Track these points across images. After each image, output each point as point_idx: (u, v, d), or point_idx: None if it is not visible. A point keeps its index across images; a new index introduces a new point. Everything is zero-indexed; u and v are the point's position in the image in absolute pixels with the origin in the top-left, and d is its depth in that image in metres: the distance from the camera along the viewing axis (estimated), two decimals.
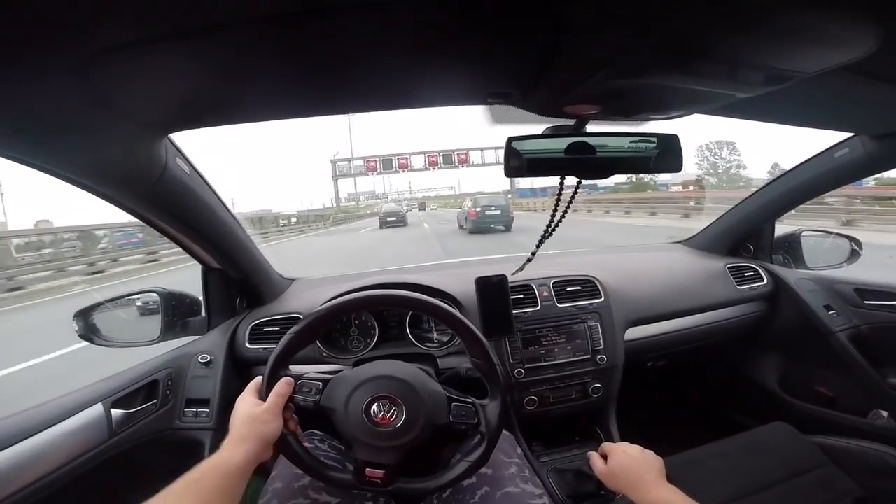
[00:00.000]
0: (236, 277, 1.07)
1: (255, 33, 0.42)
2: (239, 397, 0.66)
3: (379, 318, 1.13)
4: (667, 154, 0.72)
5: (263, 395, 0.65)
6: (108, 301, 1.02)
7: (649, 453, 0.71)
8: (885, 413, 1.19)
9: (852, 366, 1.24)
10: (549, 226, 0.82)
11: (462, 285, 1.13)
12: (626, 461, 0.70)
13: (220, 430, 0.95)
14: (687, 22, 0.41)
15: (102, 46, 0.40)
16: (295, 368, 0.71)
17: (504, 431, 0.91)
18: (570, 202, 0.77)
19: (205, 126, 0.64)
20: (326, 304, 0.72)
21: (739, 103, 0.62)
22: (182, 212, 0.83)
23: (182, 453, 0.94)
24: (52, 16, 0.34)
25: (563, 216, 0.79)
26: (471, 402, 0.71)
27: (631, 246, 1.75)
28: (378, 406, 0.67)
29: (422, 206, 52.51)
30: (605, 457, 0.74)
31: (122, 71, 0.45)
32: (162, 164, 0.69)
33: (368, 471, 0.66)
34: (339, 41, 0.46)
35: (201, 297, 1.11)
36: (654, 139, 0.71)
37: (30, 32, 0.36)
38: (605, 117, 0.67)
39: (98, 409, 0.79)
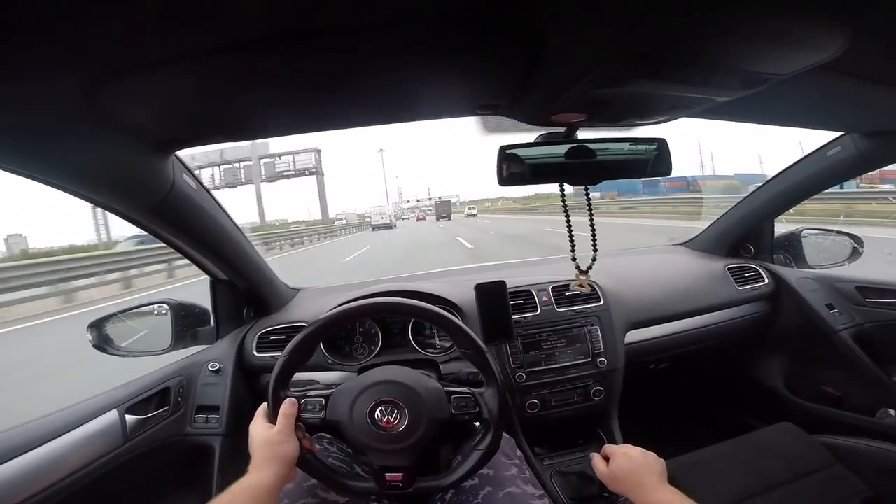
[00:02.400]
0: (243, 288, 1.10)
1: (257, 55, 0.45)
2: (251, 424, 0.68)
3: (382, 325, 1.15)
4: (658, 158, 0.74)
5: (271, 417, 0.67)
6: (121, 312, 1.05)
7: (651, 456, 0.72)
8: (892, 412, 1.18)
9: (857, 364, 1.23)
10: (592, 236, 0.82)
11: (462, 292, 1.15)
12: (627, 464, 0.70)
13: (230, 435, 0.98)
14: (660, 30, 0.43)
15: (110, 68, 0.43)
16: (301, 375, 0.74)
17: (504, 434, 0.92)
18: (590, 207, 0.78)
19: (210, 143, 0.68)
20: (319, 319, 0.75)
21: (724, 105, 0.63)
22: (189, 226, 0.86)
23: (193, 458, 0.96)
24: (62, 38, 0.37)
25: (592, 225, 0.80)
26: (469, 392, 0.73)
27: (631, 249, 1.75)
28: (381, 411, 0.69)
29: (443, 213, 37.27)
30: (606, 459, 0.75)
31: (129, 91, 0.48)
32: (170, 181, 0.73)
33: (388, 475, 0.68)
34: (334, 61, 0.49)
35: (209, 308, 1.14)
36: (643, 142, 0.73)
37: (40, 54, 0.38)
38: (592, 124, 0.69)
39: (113, 415, 0.82)
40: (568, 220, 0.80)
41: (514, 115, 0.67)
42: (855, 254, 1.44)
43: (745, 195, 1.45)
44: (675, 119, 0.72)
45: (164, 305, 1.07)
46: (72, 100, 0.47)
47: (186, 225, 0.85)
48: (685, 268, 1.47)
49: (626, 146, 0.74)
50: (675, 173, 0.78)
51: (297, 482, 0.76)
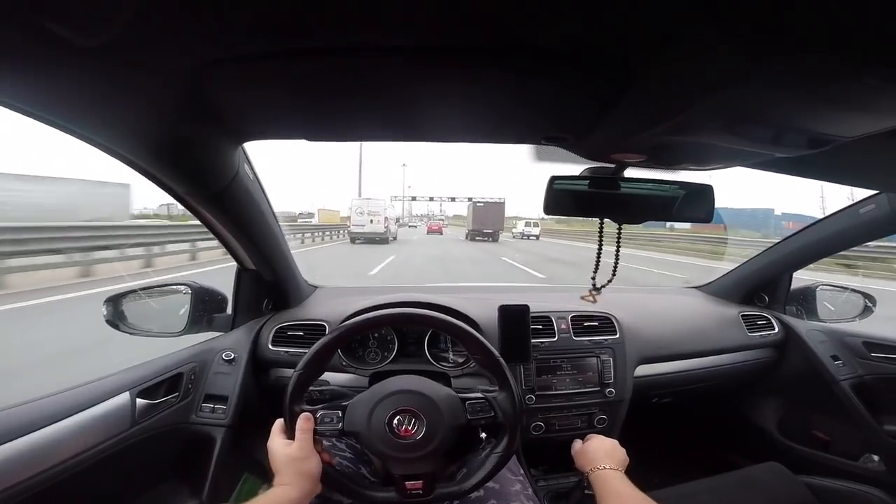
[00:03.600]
0: (269, 280, 1.10)
1: (345, 63, 0.46)
2: (269, 441, 0.68)
3: (399, 333, 1.15)
4: (700, 203, 0.75)
5: (289, 433, 0.67)
6: (142, 289, 1.05)
7: (620, 449, 0.82)
8: (875, 457, 1.24)
9: (851, 412, 1.28)
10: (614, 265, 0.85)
11: (483, 310, 1.15)
12: (596, 445, 0.82)
13: (233, 427, 0.97)
14: (745, 89, 0.44)
15: (209, 58, 0.44)
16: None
17: None
18: (618, 243, 0.80)
19: (277, 139, 0.68)
20: (342, 325, 0.76)
21: (778, 159, 0.65)
22: (240, 215, 0.86)
23: (193, 447, 0.95)
24: (172, 27, 0.37)
25: (617, 255, 0.82)
26: (483, 396, 0.74)
27: (648, 287, 1.78)
28: (398, 420, 0.69)
29: (486, 228, 20.92)
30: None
31: (225, 80, 0.49)
32: (235, 170, 0.73)
33: (408, 484, 0.68)
34: (411, 78, 0.50)
35: (228, 295, 1.13)
36: (689, 189, 0.74)
37: (148, 41, 0.39)
38: (646, 165, 0.70)
39: (125, 397, 0.81)
40: (600, 248, 0.81)
41: (575, 149, 0.68)
42: (866, 311, 1.47)
43: (769, 246, 1.47)
44: (728, 167, 0.73)
45: (187, 287, 1.06)
46: (171, 82, 0.47)
47: (238, 214, 0.86)
48: (699, 310, 1.49)
49: (672, 189, 0.74)
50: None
51: None
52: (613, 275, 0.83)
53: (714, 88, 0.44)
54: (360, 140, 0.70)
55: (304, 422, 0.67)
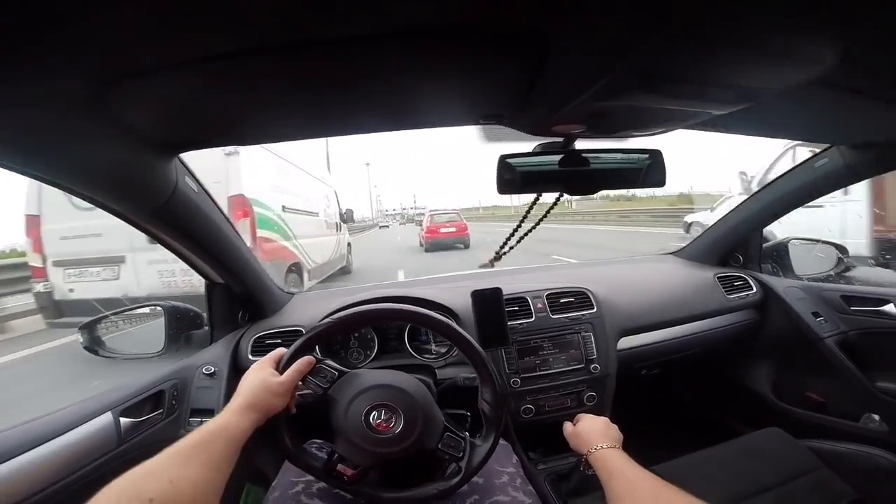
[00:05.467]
0: (239, 291, 1.10)
1: (259, 61, 0.45)
2: (254, 364, 0.67)
3: (378, 330, 1.15)
4: (652, 169, 0.76)
5: (282, 367, 0.67)
6: (113, 313, 1.04)
7: (613, 426, 0.81)
8: (876, 417, 1.22)
9: (842, 371, 1.27)
10: (514, 234, 0.86)
11: (458, 298, 1.16)
12: (588, 425, 0.81)
13: None
14: (659, 47, 0.45)
15: (115, 71, 0.43)
16: None
17: (501, 440, 0.93)
18: (546, 214, 0.81)
19: (213, 146, 0.67)
20: (319, 324, 0.75)
21: (718, 118, 0.66)
22: (189, 229, 0.86)
23: None
24: (68, 40, 0.37)
25: (533, 227, 0.83)
26: (463, 437, 0.74)
27: (623, 258, 1.79)
28: (379, 412, 0.69)
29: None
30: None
31: (136, 94, 0.48)
32: (172, 184, 0.73)
33: (340, 466, 0.68)
34: (338, 69, 0.50)
35: (203, 311, 1.13)
36: (638, 153, 0.75)
37: (47, 55, 0.38)
38: (591, 135, 0.71)
39: (107, 417, 0.81)
40: (519, 225, 0.83)
41: (515, 126, 0.69)
42: (840, 263, 1.49)
43: (737, 204, 1.49)
44: (670, 131, 0.74)
45: (158, 308, 1.06)
46: (76, 101, 0.47)
47: (187, 228, 0.85)
48: (676, 276, 1.50)
49: (621, 157, 0.75)
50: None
51: (283, 490, 0.76)
52: (504, 246, 0.85)
53: (632, 49, 0.45)
54: (296, 139, 0.70)
55: (303, 363, 0.67)
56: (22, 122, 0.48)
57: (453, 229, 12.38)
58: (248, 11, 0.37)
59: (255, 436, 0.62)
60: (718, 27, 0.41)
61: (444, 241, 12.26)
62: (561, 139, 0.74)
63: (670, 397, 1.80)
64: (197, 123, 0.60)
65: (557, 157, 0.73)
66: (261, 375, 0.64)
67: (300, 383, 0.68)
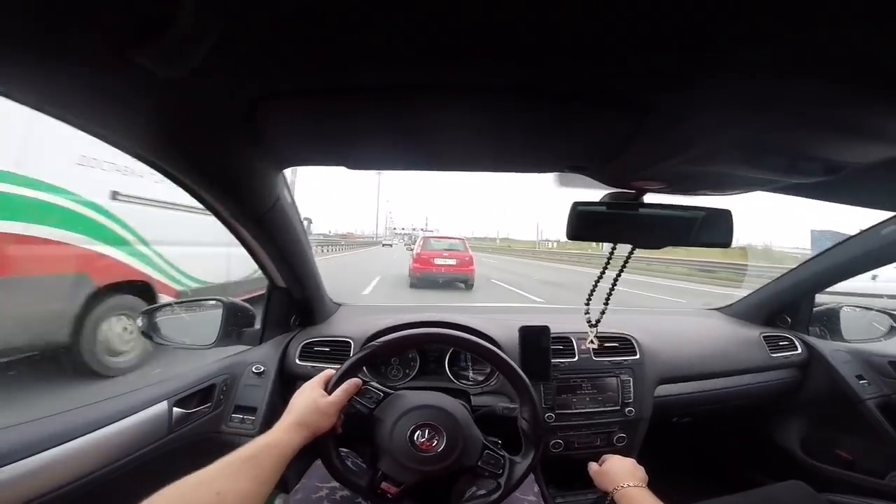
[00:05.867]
0: (298, 298, 1.14)
1: (380, 97, 0.49)
2: (306, 384, 0.70)
3: (420, 351, 1.18)
4: (719, 228, 0.76)
5: (331, 387, 0.70)
6: (177, 303, 1.10)
7: (640, 468, 0.82)
8: None
9: (877, 431, 1.27)
10: (611, 286, 0.86)
11: (503, 331, 1.17)
12: (616, 465, 0.83)
13: None
14: (755, 120, 0.46)
15: (265, 91, 0.48)
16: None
17: None
18: (624, 264, 0.81)
19: (317, 165, 0.72)
20: (405, 332, 0.79)
21: (792, 184, 0.66)
22: (278, 237, 0.91)
23: (222, 455, 0.98)
24: (236, 62, 0.41)
25: (617, 277, 0.83)
26: (503, 455, 0.76)
27: (668, 310, 1.77)
28: (422, 432, 0.71)
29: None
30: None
31: (270, 114, 0.52)
32: (277, 194, 0.78)
33: (384, 484, 0.70)
34: (446, 113, 0.53)
35: (256, 311, 1.17)
36: (708, 213, 0.75)
37: (216, 73, 0.43)
38: (667, 191, 0.72)
39: (163, 406, 0.85)
40: (600, 277, 0.83)
41: (596, 175, 0.71)
42: (892, 331, 1.44)
43: (792, 267, 1.46)
44: (747, 192, 0.75)
45: (219, 302, 1.11)
46: (234, 120, 0.52)
47: (277, 236, 0.90)
48: (720, 331, 1.48)
49: (691, 214, 0.76)
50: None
51: (307, 494, 0.78)
52: (606, 305, 0.85)
53: (729, 125, 0.47)
54: (396, 169, 0.74)
55: (351, 385, 0.70)
56: (186, 134, 0.54)
57: (453, 262, 8.64)
58: (387, 52, 0.40)
59: None
60: (820, 110, 0.43)
61: (437, 275, 8.63)
62: (633, 191, 0.75)
63: (696, 444, 1.75)
64: (312, 144, 0.65)
65: (629, 210, 0.75)
66: (312, 395, 0.67)
67: (349, 401, 0.71)
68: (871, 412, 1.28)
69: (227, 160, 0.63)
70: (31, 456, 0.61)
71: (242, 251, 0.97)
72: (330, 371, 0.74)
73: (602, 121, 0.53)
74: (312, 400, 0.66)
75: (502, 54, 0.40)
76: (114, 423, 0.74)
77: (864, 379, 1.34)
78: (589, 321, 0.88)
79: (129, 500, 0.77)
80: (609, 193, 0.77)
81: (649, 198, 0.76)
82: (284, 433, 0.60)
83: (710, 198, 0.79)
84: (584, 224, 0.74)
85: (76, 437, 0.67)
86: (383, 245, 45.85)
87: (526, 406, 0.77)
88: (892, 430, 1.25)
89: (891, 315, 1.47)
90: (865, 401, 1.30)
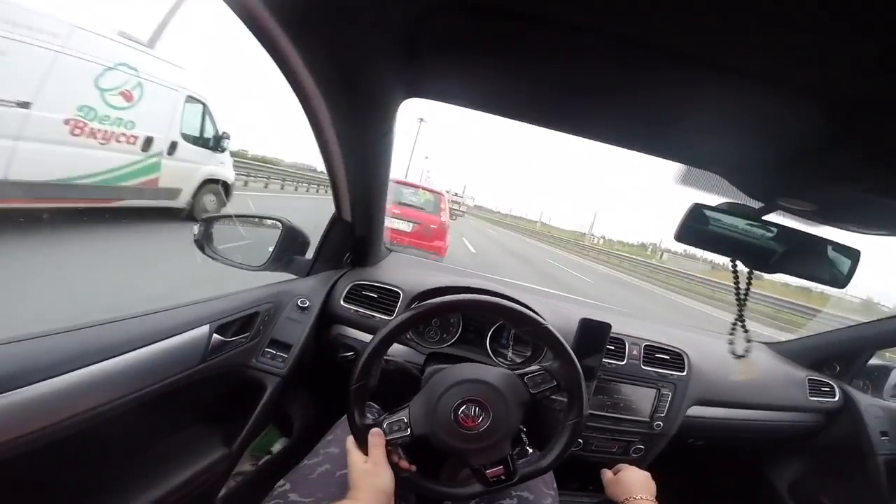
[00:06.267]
0: (359, 235, 1.09)
1: (538, 35, 0.42)
2: (348, 456, 0.68)
3: (463, 318, 1.15)
4: (842, 267, 0.69)
5: (361, 448, 0.67)
6: (237, 216, 1.07)
7: (652, 483, 0.85)
8: None
9: (873, 485, 1.29)
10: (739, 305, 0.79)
11: (559, 319, 1.11)
12: (632, 476, 0.85)
13: (287, 379, 0.94)
14: None
15: (433, 6, 0.42)
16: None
17: None
18: (747, 290, 0.75)
19: (444, 101, 0.63)
20: (465, 297, 0.74)
21: None
22: (371, 167, 0.84)
23: (244, 391, 0.92)
24: None
25: (744, 302, 0.76)
26: (539, 368, 0.74)
27: (719, 333, 1.72)
28: (464, 412, 0.69)
29: None
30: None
31: (428, 35, 0.46)
32: (391, 125, 0.71)
33: (489, 472, 0.68)
34: (609, 70, 0.45)
35: (312, 241, 1.13)
36: (837, 249, 0.68)
37: None
38: (808, 216, 0.65)
39: (204, 330, 0.79)
40: (739, 296, 0.75)
41: (735, 180, 0.63)
42: None
43: (862, 322, 1.40)
44: (888, 235, 0.67)
45: (279, 223, 1.07)
46: (390, 26, 0.46)
47: (370, 167, 0.84)
48: (766, 365, 1.43)
49: (819, 246, 0.69)
50: None
51: (343, 448, 0.76)
52: (745, 331, 0.78)
53: None
54: (529, 122, 0.63)
55: (374, 437, 0.67)
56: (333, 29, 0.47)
57: (417, 224, 5.23)
58: None
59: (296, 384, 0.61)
60: None
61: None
62: (760, 205, 0.68)
63: (694, 468, 1.76)
64: (451, 77, 0.57)
65: (755, 226, 0.68)
66: (357, 462, 0.66)
67: (389, 448, 0.68)
68: (878, 468, 1.29)
69: (364, 70, 0.55)
70: (64, 374, 0.55)
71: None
72: (350, 439, 0.69)
73: (789, 119, 0.46)
74: (359, 467, 0.65)
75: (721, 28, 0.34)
76: (150, 344, 0.68)
77: (887, 436, 1.34)
78: (734, 353, 0.82)
79: (136, 432, 0.72)
80: (731, 203, 0.70)
81: (774, 218, 0.69)
82: (352, 501, 0.61)
83: (838, 232, 0.72)
84: (698, 227, 0.67)
85: (112, 357, 0.62)
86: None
87: (575, 403, 0.74)
88: (887, 489, 1.27)
89: None
90: (878, 455, 1.31)
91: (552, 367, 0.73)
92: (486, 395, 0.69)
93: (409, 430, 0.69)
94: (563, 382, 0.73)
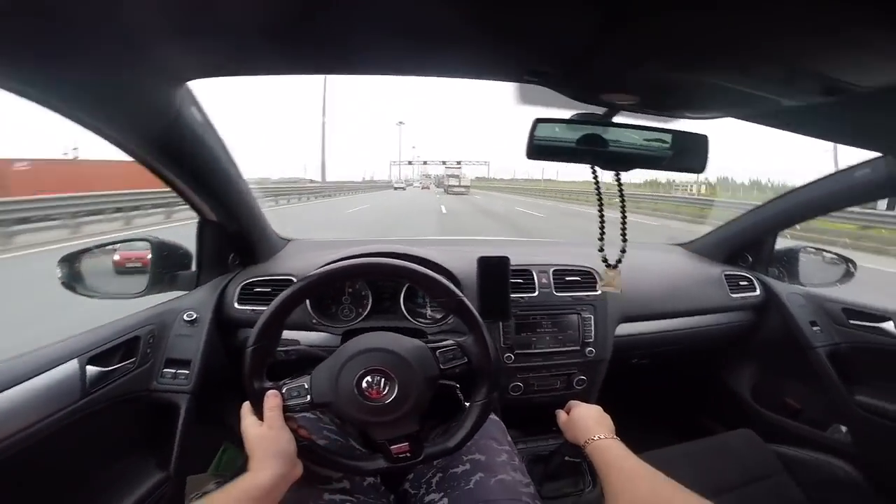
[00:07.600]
0: (233, 231, 1.02)
1: None
2: (243, 422, 0.64)
3: (373, 288, 1.11)
4: (692, 154, 0.70)
5: (256, 413, 0.63)
6: (97, 247, 0.97)
7: (606, 416, 0.80)
8: (843, 428, 1.24)
9: (824, 381, 1.27)
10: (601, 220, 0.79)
11: (462, 263, 1.10)
12: (583, 413, 0.80)
13: (197, 393, 0.92)
14: (753, 21, 0.38)
15: None
16: (286, 333, 0.69)
17: (494, 417, 0.91)
18: (622, 195, 0.74)
19: (224, 75, 0.59)
20: (329, 268, 0.69)
21: (775, 112, 0.59)
22: (187, 160, 0.78)
23: (156, 417, 0.90)
24: None
25: (624, 215, 0.77)
26: (453, 343, 0.71)
27: (630, 243, 1.76)
28: (367, 382, 0.64)
29: None
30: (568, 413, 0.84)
31: (151, 13, 0.42)
32: (175, 111, 0.65)
33: (394, 448, 0.65)
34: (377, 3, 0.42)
35: (192, 250, 1.06)
36: (683, 137, 0.68)
37: None
38: (638, 109, 0.64)
39: (73, 365, 0.74)
40: (601, 207, 0.75)
41: (560, 87, 0.61)
42: (847, 276, 1.46)
43: (757, 205, 1.43)
44: (724, 117, 0.67)
45: (146, 242, 0.99)
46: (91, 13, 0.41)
47: (183, 158, 0.77)
48: (683, 268, 1.46)
49: (664, 137, 0.69)
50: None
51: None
52: (624, 241, 0.79)
53: (731, 24, 0.38)
54: (302, 72, 0.60)
55: (271, 400, 0.63)
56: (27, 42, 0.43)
57: None
58: None
59: (232, 403, 0.61)
60: (817, 7, 0.35)
61: None
62: (603, 110, 0.67)
63: (651, 387, 1.81)
64: (207, 50, 0.53)
65: (596, 129, 0.67)
66: (250, 430, 0.62)
67: (288, 413, 0.64)
68: (821, 361, 1.28)
69: (95, 70, 0.51)
70: None
71: None
72: (247, 404, 0.65)
73: (569, 10, 0.43)
74: (253, 434, 0.61)
75: None
76: (12, 387, 0.64)
77: (818, 325, 1.33)
78: (605, 260, 0.80)
79: (47, 472, 0.69)
80: (576, 113, 0.69)
81: (619, 119, 0.68)
82: (252, 474, 0.57)
83: (683, 122, 0.72)
84: (545, 144, 0.66)
85: None
86: (395, 188, 44.50)
87: (485, 383, 0.70)
88: (838, 381, 1.25)
89: (847, 260, 1.50)
90: (816, 348, 1.29)
91: (465, 343, 0.70)
92: (393, 365, 0.65)
93: (308, 396, 0.65)
94: (474, 360, 0.69)
